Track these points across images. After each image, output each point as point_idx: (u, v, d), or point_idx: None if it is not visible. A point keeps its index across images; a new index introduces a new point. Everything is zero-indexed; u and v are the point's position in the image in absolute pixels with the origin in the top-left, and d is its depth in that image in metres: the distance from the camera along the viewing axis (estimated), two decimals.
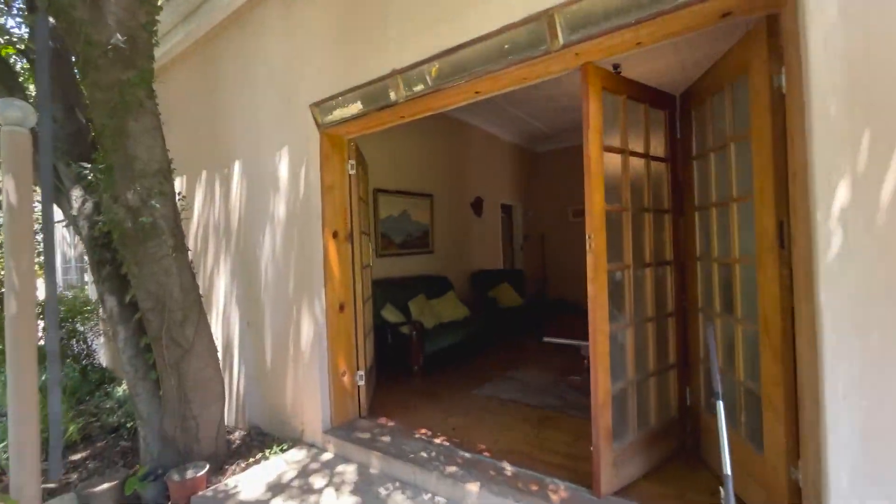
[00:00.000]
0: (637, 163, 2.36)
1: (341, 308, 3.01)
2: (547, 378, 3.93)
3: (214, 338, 2.80)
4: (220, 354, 2.90)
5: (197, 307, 2.63)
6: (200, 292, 2.72)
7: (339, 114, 2.77)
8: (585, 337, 2.18)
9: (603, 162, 2.13)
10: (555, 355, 4.58)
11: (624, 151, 2.27)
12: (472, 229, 6.62)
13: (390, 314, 4.31)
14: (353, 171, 3.10)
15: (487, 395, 3.57)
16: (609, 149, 2.20)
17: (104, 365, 5.26)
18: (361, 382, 3.12)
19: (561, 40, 1.92)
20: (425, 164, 5.65)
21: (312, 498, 2.31)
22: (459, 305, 5.17)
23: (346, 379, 3.02)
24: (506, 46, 2.10)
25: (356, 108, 2.68)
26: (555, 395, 3.50)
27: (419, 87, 2.39)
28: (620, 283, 2.27)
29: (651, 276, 2.40)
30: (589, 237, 2.10)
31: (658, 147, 2.47)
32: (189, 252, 2.69)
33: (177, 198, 2.61)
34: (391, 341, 4.20)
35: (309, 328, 2.93)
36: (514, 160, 8.14)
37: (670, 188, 2.50)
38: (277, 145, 3.05)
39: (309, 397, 2.93)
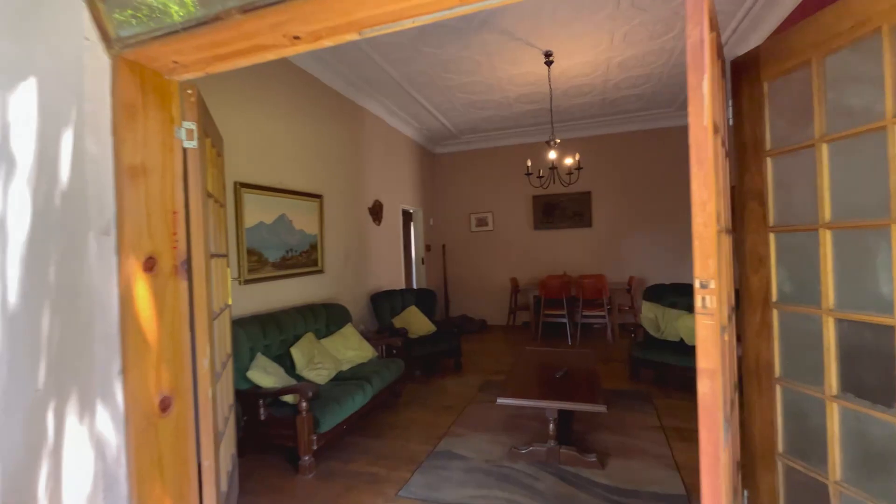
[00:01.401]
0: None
1: (164, 407, 1.55)
2: (497, 449, 2.92)
3: None
4: None
5: None
6: None
7: (152, 22, 1.34)
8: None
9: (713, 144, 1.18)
10: (493, 407, 3.61)
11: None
12: (370, 240, 5.35)
13: (262, 374, 2.83)
14: (191, 143, 1.66)
15: (420, 497, 2.40)
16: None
17: None
18: None
19: None
20: (313, 153, 4.23)
21: None
22: (362, 344, 3.88)
23: None
24: None
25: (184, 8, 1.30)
26: (521, 482, 2.49)
27: None
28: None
29: None
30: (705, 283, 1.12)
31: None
32: None
33: None
34: (265, 418, 2.73)
35: (83, 461, 1.40)
36: (415, 160, 7.07)
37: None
38: (7, 70, 1.44)
39: None
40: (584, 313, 6.01)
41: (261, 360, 2.93)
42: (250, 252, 3.38)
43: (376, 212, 5.46)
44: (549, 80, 4.54)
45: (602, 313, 5.95)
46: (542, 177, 4.42)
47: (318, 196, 4.23)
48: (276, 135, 3.71)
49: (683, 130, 7.25)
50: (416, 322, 4.95)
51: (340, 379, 3.36)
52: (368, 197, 5.34)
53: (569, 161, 4.45)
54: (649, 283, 6.81)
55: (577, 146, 7.17)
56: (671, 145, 6.82)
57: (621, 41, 4.16)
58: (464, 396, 3.97)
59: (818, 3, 2.92)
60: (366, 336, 4.17)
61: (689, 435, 3.05)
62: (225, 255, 2.34)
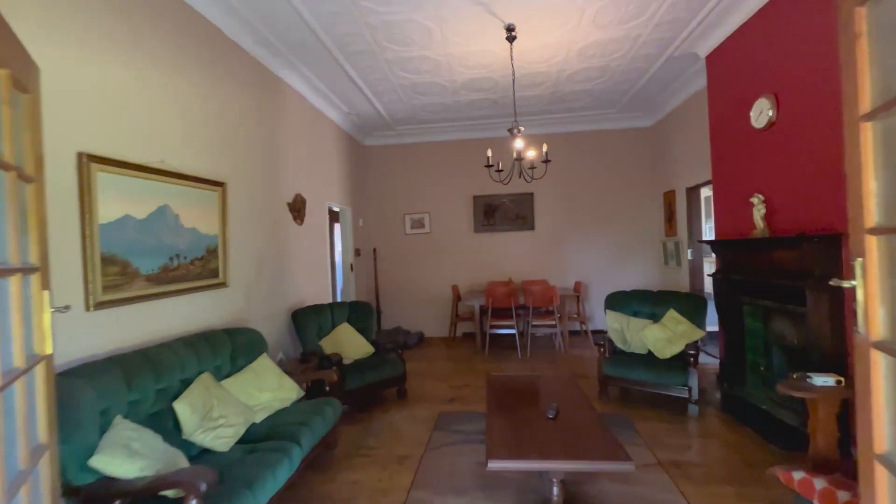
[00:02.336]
0: None
1: None
2: None
3: None
4: None
5: None
6: None
7: None
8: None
9: None
10: (459, 452, 2.86)
11: None
12: (291, 243, 4.31)
13: (119, 457, 1.76)
14: None
15: None
16: None
17: None
18: None
19: None
20: (213, 127, 3.14)
21: None
22: (283, 381, 2.90)
23: None
24: None
25: None
26: None
27: None
28: None
29: None
30: None
31: None
32: None
33: None
34: None
35: None
36: (343, 150, 6.10)
37: None
38: None
39: None
40: (533, 323, 5.55)
41: (119, 429, 1.86)
42: (108, 260, 2.25)
43: (298, 209, 4.44)
44: (512, 57, 3.96)
45: (552, 322, 5.54)
46: (501, 171, 3.80)
47: (220, 184, 3.15)
48: (153, 94, 2.60)
49: (624, 134, 7.27)
50: (350, 343, 4.04)
51: (252, 440, 2.38)
52: (288, 190, 4.30)
53: (531, 154, 3.90)
54: (593, 289, 6.61)
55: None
56: (611, 149, 6.70)
57: (590, 22, 3.71)
58: (418, 439, 3.17)
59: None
60: (287, 368, 3.19)
61: (693, 472, 2.60)
62: (35, 269, 1.31)
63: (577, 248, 6.75)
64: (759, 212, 3.38)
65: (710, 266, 6.58)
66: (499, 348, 5.87)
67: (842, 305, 2.74)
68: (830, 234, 2.72)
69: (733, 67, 3.77)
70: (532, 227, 6.78)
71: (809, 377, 2.50)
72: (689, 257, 5.63)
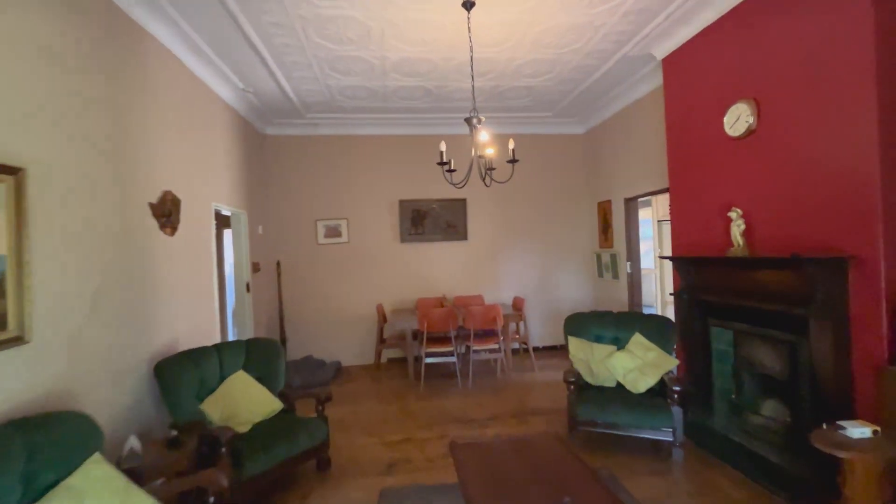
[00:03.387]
0: None
1: None
2: None
3: None
4: None
5: None
6: None
7: None
8: None
9: None
10: None
11: None
12: (156, 262, 3.01)
13: None
14: None
15: None
16: None
17: None
18: None
19: None
20: (4, 80, 1.85)
21: None
22: (132, 495, 1.74)
23: None
24: None
25: None
26: None
27: None
28: None
29: None
30: None
31: None
32: None
33: None
34: None
35: None
36: (237, 139, 4.80)
37: None
38: None
39: None
40: (474, 347, 4.85)
41: None
42: None
43: (167, 212, 3.14)
44: (469, 29, 3.20)
45: (496, 345, 4.89)
46: (453, 170, 3.02)
47: (12, 170, 1.86)
48: None
49: (557, 140, 6.73)
50: (247, 401, 2.89)
51: None
52: (152, 186, 3.00)
53: (490, 152, 3.18)
54: (528, 304, 6.14)
55: (449, 142, 6.05)
56: (544, 155, 6.33)
57: None
58: None
59: None
60: (141, 468, 2.00)
61: None
62: None
63: (511, 260, 6.25)
64: (737, 227, 3.06)
65: (650, 280, 6.57)
66: (434, 377, 5.06)
67: (847, 336, 2.45)
68: (836, 256, 2.42)
69: (700, 70, 3.48)
70: (465, 237, 6.11)
71: (843, 427, 2.12)
72: (628, 270, 5.43)
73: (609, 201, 5.77)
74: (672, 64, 3.83)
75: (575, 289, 6.34)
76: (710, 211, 3.44)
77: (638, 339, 3.56)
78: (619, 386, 3.42)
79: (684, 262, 3.63)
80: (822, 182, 2.55)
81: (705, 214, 3.50)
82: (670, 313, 6.07)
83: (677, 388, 2.95)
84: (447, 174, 3.01)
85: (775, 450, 2.93)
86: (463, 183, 3.20)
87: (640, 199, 5.34)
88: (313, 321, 5.81)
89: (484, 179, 3.03)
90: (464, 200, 6.06)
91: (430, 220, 6.04)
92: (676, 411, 2.99)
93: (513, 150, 3.07)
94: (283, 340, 5.62)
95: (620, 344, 3.65)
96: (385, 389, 4.77)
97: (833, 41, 2.45)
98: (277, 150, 5.78)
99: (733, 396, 3.38)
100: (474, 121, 2.89)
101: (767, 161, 2.91)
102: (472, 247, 6.15)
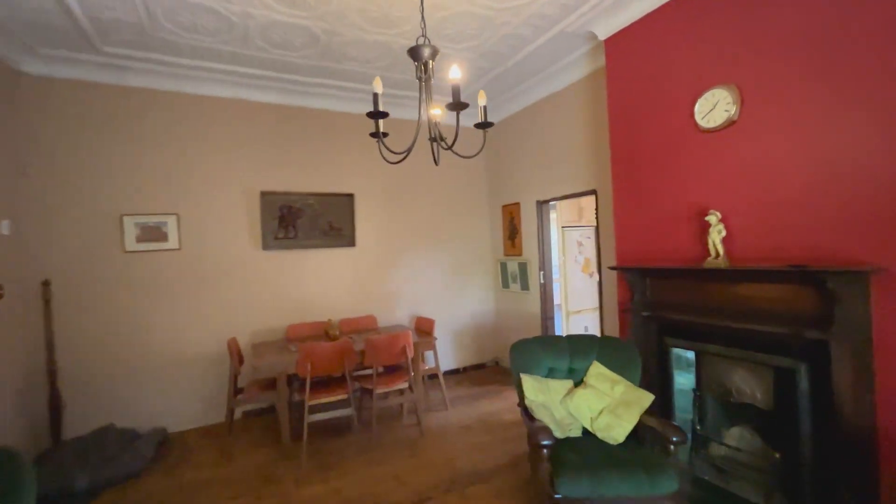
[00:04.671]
0: None
1: None
2: None
3: None
4: None
5: None
6: None
7: None
8: None
9: None
10: None
11: None
12: None
13: None
14: None
15: None
16: None
17: None
18: None
19: None
20: None
21: None
22: None
23: None
24: None
25: None
26: None
27: None
28: None
29: None
30: None
31: None
32: None
33: None
34: None
35: None
36: None
37: None
38: None
39: None
40: (378, 390, 3.62)
41: None
42: None
43: None
44: None
45: (405, 383, 3.76)
46: (385, 134, 1.86)
47: None
48: None
49: (463, 132, 5.15)
50: None
51: None
52: None
53: (437, 112, 2.08)
54: (433, 322, 5.14)
55: (339, 122, 4.71)
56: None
57: None
58: None
59: None
60: None
61: None
62: None
63: (410, 271, 5.18)
64: (717, 234, 2.61)
65: (580, 294, 6.10)
66: (322, 435, 3.65)
67: (869, 362, 2.10)
68: (856, 268, 2.05)
69: (660, 50, 3.00)
70: (352, 243, 4.81)
71: None
72: (541, 281, 4.91)
73: (517, 204, 5.19)
74: (618, 44, 3.32)
75: (477, 302, 5.61)
76: (670, 215, 2.98)
77: (598, 370, 2.88)
78: (587, 434, 2.68)
79: (639, 274, 3.12)
80: (832, 185, 2.19)
81: (663, 219, 3.03)
82: (575, 327, 5.83)
83: (675, 439, 2.29)
84: (382, 143, 1.81)
85: (760, 490, 2.54)
86: (404, 156, 2.04)
87: (544, 205, 4.87)
88: (117, 371, 3.77)
89: (435, 152, 1.92)
90: (351, 196, 4.77)
91: (305, 221, 4.57)
92: (677, 468, 2.34)
93: (484, 108, 2.03)
94: (56, 407, 3.47)
95: (576, 376, 2.94)
96: (243, 471, 3.16)
97: (856, 6, 2.10)
98: (46, 101, 3.59)
99: (698, 428, 2.96)
100: (425, 51, 1.76)
101: (752, 158, 2.51)
102: (362, 255, 4.88)
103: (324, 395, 3.44)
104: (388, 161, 2.20)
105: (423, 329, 4.45)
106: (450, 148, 1.97)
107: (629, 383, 2.79)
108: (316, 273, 4.62)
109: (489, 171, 5.71)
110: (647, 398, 2.70)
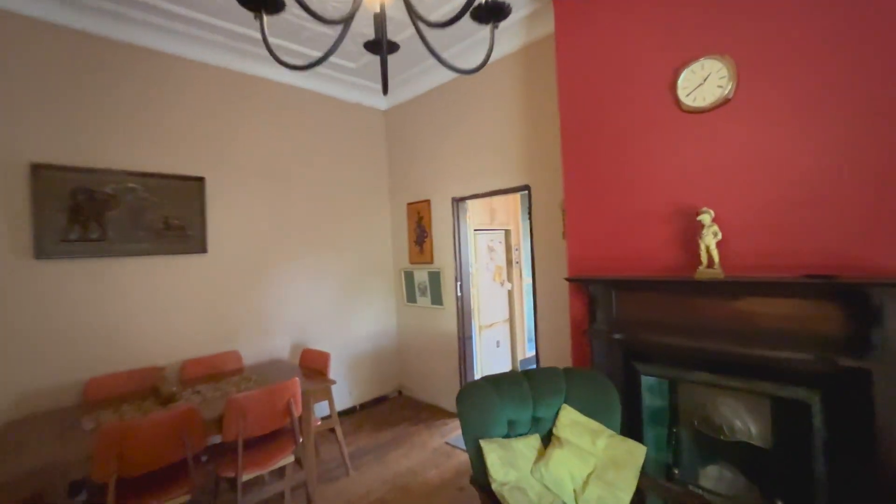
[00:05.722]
0: None
1: None
2: None
3: None
4: None
5: None
6: None
7: None
8: None
9: None
10: None
11: None
12: None
13: None
14: None
15: None
16: None
17: None
18: None
19: None
20: None
21: None
22: None
23: None
24: None
25: None
26: None
27: None
28: None
29: None
30: None
31: None
32: None
33: None
34: None
35: None
36: None
37: None
38: None
39: None
40: (244, 478, 2.34)
41: None
42: None
43: None
44: None
45: (289, 457, 2.54)
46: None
47: None
48: None
49: (353, 111, 4.24)
50: None
51: None
52: None
53: None
54: (328, 356, 3.93)
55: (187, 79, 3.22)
56: (336, 127, 4.34)
57: None
58: None
59: None
60: None
61: None
62: None
63: (285, 287, 3.89)
64: (711, 237, 2.11)
65: (491, 305, 5.29)
66: None
67: None
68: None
69: (631, 6, 2.45)
70: (203, 248, 3.35)
71: None
72: (458, 293, 4.12)
73: (427, 202, 4.33)
74: (571, 6, 2.71)
75: (374, 321, 4.56)
76: (639, 214, 2.44)
77: (570, 417, 2.17)
78: None
79: (605, 286, 2.51)
80: (857, 176, 1.82)
81: (629, 219, 2.48)
82: (486, 345, 5.13)
83: None
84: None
85: None
86: (319, 60, 0.98)
87: (461, 203, 4.13)
88: None
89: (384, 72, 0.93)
90: (200, 181, 3.33)
91: (122, 215, 2.98)
92: None
93: None
94: None
95: (543, 428, 2.19)
96: None
97: None
98: None
99: (675, 471, 2.45)
100: None
101: (753, 144, 2.07)
102: (217, 265, 3.44)
103: (148, 500, 2.05)
104: (293, 67, 1.11)
105: (313, 366, 3.25)
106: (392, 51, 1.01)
107: (611, 432, 2.13)
108: (142, 294, 3.05)
109: (392, 160, 4.73)
110: (639, 452, 2.05)
